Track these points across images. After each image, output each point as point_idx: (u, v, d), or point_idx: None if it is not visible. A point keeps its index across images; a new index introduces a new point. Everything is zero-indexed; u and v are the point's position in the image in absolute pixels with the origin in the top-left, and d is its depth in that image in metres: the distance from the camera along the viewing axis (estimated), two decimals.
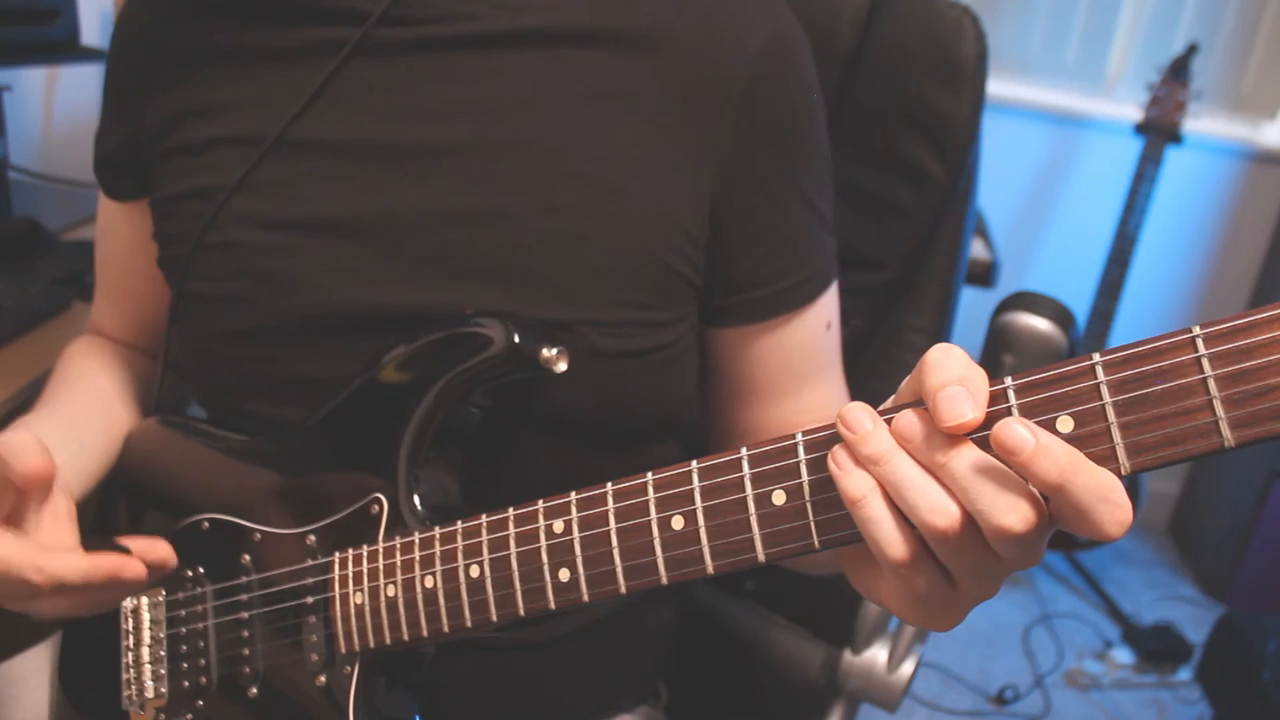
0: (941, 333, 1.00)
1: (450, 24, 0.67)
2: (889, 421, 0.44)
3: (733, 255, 0.69)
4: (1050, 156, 2.65)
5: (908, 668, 0.93)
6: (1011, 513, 0.41)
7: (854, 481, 0.44)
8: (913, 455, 0.43)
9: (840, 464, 0.45)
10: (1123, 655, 2.20)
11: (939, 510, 0.42)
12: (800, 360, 0.74)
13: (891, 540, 0.44)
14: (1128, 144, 2.36)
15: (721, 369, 0.76)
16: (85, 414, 0.79)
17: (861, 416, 0.44)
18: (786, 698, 0.99)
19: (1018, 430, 0.40)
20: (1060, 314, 0.87)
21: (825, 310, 0.74)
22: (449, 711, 0.73)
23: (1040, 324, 0.84)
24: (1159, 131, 2.27)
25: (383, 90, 0.67)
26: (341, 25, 0.68)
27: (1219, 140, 2.51)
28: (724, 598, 1.03)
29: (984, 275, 1.83)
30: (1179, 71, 2.29)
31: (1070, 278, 2.58)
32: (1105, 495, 0.40)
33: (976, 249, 1.84)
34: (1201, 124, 2.44)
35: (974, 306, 1.44)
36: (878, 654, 0.95)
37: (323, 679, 0.65)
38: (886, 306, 0.98)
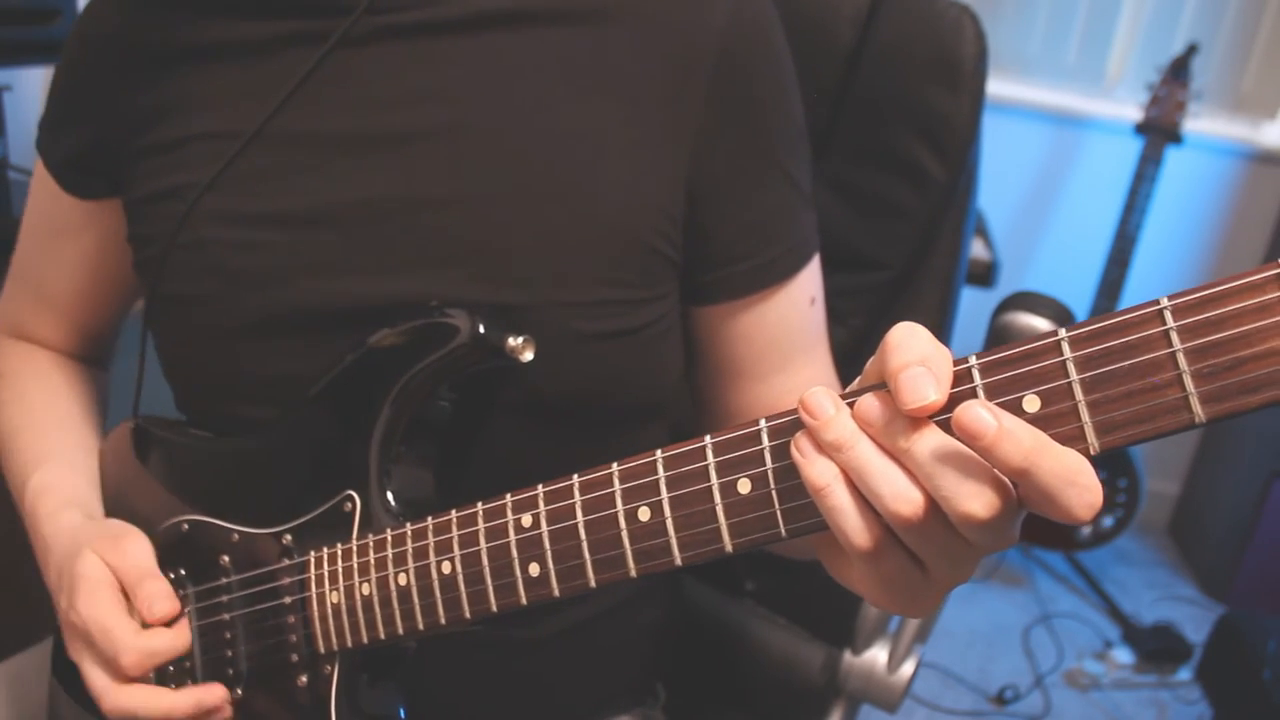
0: (941, 332, 0.99)
1: (419, 10, 0.66)
2: (852, 405, 0.43)
3: (711, 230, 0.69)
4: (1050, 156, 2.65)
5: (908, 668, 0.93)
6: (976, 499, 0.40)
7: (817, 469, 0.43)
8: (875, 440, 0.42)
9: (803, 451, 0.44)
10: (1123, 655, 2.20)
11: (902, 497, 0.42)
12: (785, 337, 0.74)
13: (856, 527, 0.43)
14: (1128, 144, 2.36)
15: (706, 349, 0.75)
16: (89, 452, 0.79)
17: (823, 401, 0.43)
18: (786, 698, 0.99)
19: (980, 414, 0.39)
20: (1060, 314, 0.86)
21: (808, 285, 0.74)
22: (443, 713, 0.73)
23: (1041, 324, 0.83)
24: (1159, 131, 2.27)
25: (352, 80, 0.67)
26: (314, 18, 0.67)
27: (1219, 140, 2.51)
28: (723, 598, 1.03)
29: (984, 275, 1.83)
30: (1179, 71, 2.29)
31: (1070, 278, 2.57)
32: (1072, 478, 0.39)
33: (976, 249, 1.84)
34: (1201, 124, 2.44)
35: (974, 306, 1.44)
36: (878, 654, 0.94)
37: (304, 679, 0.65)
38: (886, 306, 0.98)
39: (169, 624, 0.67)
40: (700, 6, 0.67)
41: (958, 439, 0.40)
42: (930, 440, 0.41)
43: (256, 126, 0.67)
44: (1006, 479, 0.40)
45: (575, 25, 0.66)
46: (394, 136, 0.66)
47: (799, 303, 0.74)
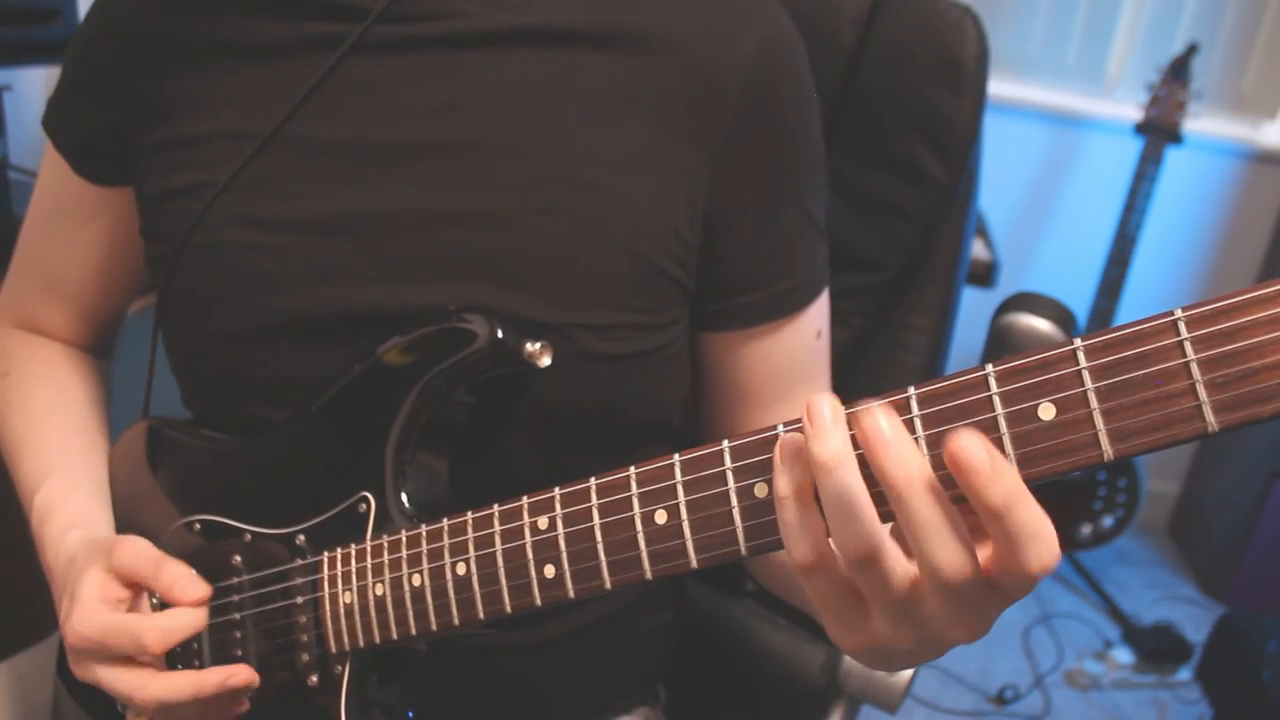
0: (942, 333, 1.00)
1: (446, 21, 0.66)
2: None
3: (725, 259, 0.69)
4: (1050, 156, 2.65)
5: (908, 669, 0.93)
6: (950, 554, 0.41)
7: (782, 481, 0.44)
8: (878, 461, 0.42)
9: (783, 458, 0.44)
10: (1123, 655, 2.20)
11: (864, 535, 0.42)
12: (790, 367, 0.74)
13: (800, 547, 0.44)
14: (1128, 144, 2.36)
15: (711, 374, 0.75)
16: (96, 457, 0.79)
17: (824, 411, 0.43)
18: (786, 699, 0.99)
19: (979, 451, 0.39)
20: (1061, 315, 0.87)
21: (816, 318, 0.74)
22: (447, 715, 0.73)
23: (1041, 325, 0.84)
24: (1159, 131, 2.27)
25: (376, 88, 0.67)
26: (337, 21, 0.67)
27: (1219, 140, 2.51)
28: (724, 598, 1.03)
29: (984, 275, 1.83)
30: (1179, 71, 2.29)
31: (1070, 278, 2.57)
32: (1038, 533, 0.40)
33: (976, 249, 1.84)
34: (1201, 124, 2.44)
35: (974, 306, 1.44)
36: None
37: (314, 679, 0.65)
38: (887, 307, 0.98)
39: None
40: (730, 36, 0.66)
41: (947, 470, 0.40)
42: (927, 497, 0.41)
43: (270, 131, 0.67)
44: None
45: (601, 48, 0.66)
46: (413, 147, 0.66)
47: (806, 335, 0.74)
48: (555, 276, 0.65)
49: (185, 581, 0.63)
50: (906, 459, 0.41)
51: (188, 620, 0.63)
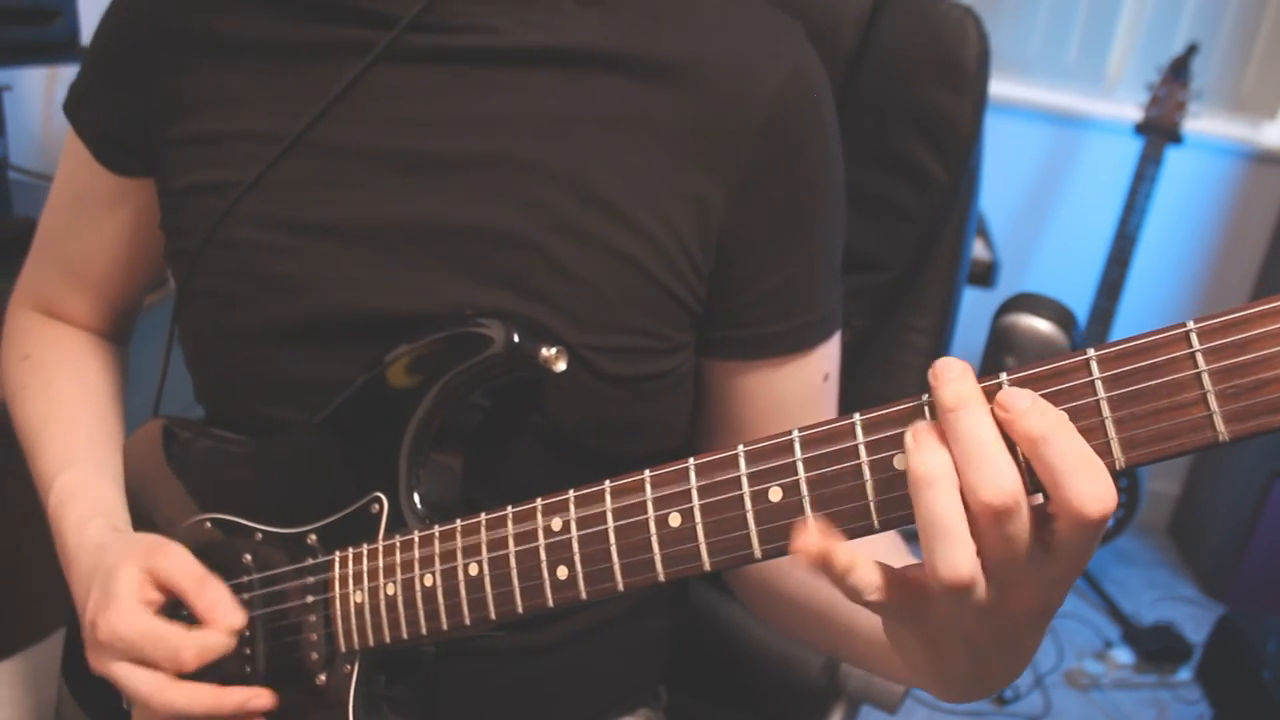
0: (943, 333, 1.00)
1: (476, 35, 0.66)
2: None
3: (734, 289, 0.69)
4: (1050, 156, 2.65)
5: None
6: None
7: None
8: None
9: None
10: (1123, 655, 2.20)
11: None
12: (791, 406, 0.73)
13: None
14: (1128, 144, 2.36)
15: (710, 401, 0.75)
16: (116, 448, 0.79)
17: (1023, 396, 0.42)
18: (787, 699, 0.99)
19: (1021, 391, 0.41)
20: (1062, 315, 0.87)
21: (824, 361, 0.73)
22: (452, 715, 0.73)
23: (1042, 326, 0.84)
24: (1159, 131, 2.27)
25: (402, 97, 0.67)
26: (367, 27, 0.67)
27: (1219, 140, 2.51)
28: (725, 599, 1.03)
29: (984, 275, 1.83)
30: (1179, 71, 2.29)
31: (1070, 278, 2.58)
32: (1088, 463, 0.40)
33: (977, 249, 1.84)
34: (1201, 124, 2.44)
35: (974, 307, 1.44)
36: None
37: (323, 678, 0.65)
38: (888, 307, 0.98)
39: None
40: (756, 69, 0.66)
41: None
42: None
43: (298, 133, 0.67)
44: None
45: (630, 73, 0.66)
46: (438, 160, 0.66)
47: (811, 377, 0.73)
48: (569, 295, 0.65)
49: (226, 607, 0.64)
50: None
51: (221, 640, 0.64)
